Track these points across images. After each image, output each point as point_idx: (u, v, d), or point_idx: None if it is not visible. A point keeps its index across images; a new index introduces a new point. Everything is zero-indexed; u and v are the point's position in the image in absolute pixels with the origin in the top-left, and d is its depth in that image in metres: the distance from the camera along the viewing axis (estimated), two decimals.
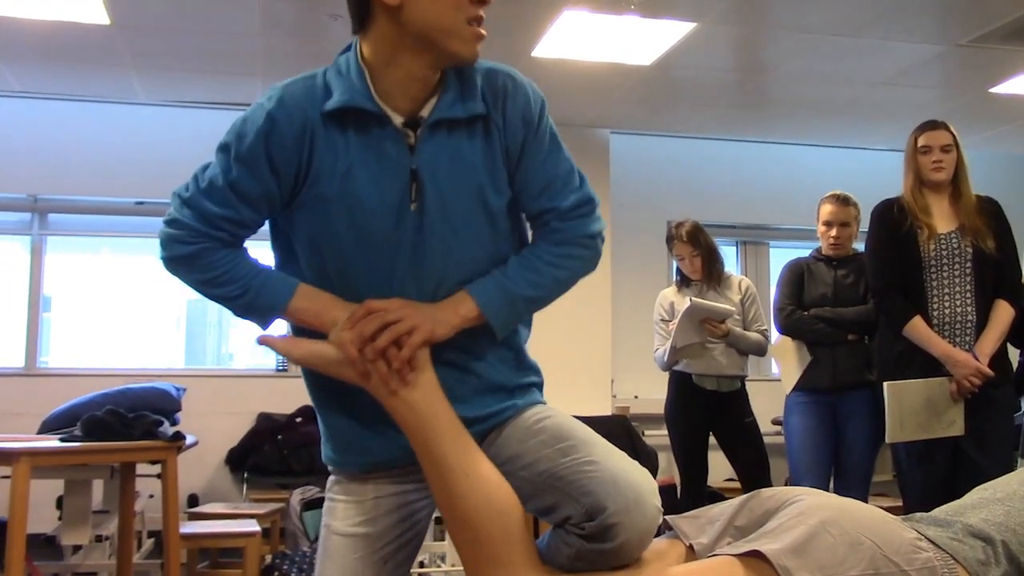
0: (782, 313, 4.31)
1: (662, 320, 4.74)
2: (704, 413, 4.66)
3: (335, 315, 1.68)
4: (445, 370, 1.72)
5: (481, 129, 1.69)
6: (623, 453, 1.67)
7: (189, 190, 1.67)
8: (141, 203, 6.42)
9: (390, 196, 1.66)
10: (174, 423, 3.88)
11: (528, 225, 1.83)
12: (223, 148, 1.66)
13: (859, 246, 4.27)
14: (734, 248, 7.62)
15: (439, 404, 1.68)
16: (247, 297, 1.68)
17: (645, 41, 5.27)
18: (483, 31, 1.63)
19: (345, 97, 1.63)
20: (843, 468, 4.16)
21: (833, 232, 4.26)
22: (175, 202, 1.69)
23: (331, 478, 1.87)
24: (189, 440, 3.77)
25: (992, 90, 6.09)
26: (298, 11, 4.91)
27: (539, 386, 1.88)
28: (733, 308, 4.55)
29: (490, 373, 1.78)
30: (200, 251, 1.65)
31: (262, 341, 1.71)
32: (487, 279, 1.73)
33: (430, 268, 1.70)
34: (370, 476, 1.81)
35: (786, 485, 5.65)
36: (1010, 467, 3.28)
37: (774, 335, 4.56)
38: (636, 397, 6.71)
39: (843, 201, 4.29)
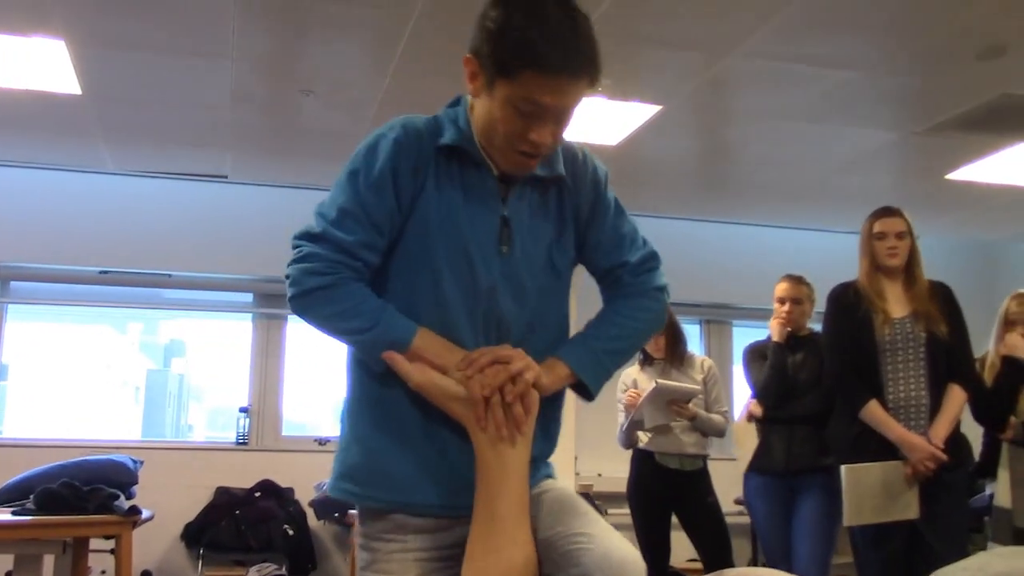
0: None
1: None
2: (666, 492, 4.64)
3: (456, 356, 1.74)
4: None
5: (556, 191, 1.85)
6: (619, 533, 1.68)
7: (319, 227, 1.73)
8: (105, 272, 6.36)
9: (485, 236, 1.77)
10: (130, 496, 3.82)
11: (598, 285, 1.96)
12: (351, 176, 1.74)
13: (815, 326, 4.36)
14: (697, 327, 7.69)
15: (524, 467, 1.73)
16: (376, 331, 1.71)
17: (612, 122, 5.38)
18: (533, 162, 1.75)
19: (457, 137, 1.76)
20: (796, 553, 4.14)
21: (786, 308, 4.37)
22: (301, 242, 1.73)
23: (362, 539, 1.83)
24: (145, 514, 3.72)
25: (948, 177, 6.25)
26: (269, 86, 4.97)
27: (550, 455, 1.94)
28: (698, 387, 4.58)
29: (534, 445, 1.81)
30: (337, 281, 1.70)
31: (388, 356, 1.72)
32: (571, 343, 1.85)
33: (504, 308, 1.79)
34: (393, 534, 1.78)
35: (750, 566, 5.63)
36: (964, 550, 3.29)
37: (737, 415, 4.58)
38: (599, 475, 6.68)
39: (796, 280, 4.44)
